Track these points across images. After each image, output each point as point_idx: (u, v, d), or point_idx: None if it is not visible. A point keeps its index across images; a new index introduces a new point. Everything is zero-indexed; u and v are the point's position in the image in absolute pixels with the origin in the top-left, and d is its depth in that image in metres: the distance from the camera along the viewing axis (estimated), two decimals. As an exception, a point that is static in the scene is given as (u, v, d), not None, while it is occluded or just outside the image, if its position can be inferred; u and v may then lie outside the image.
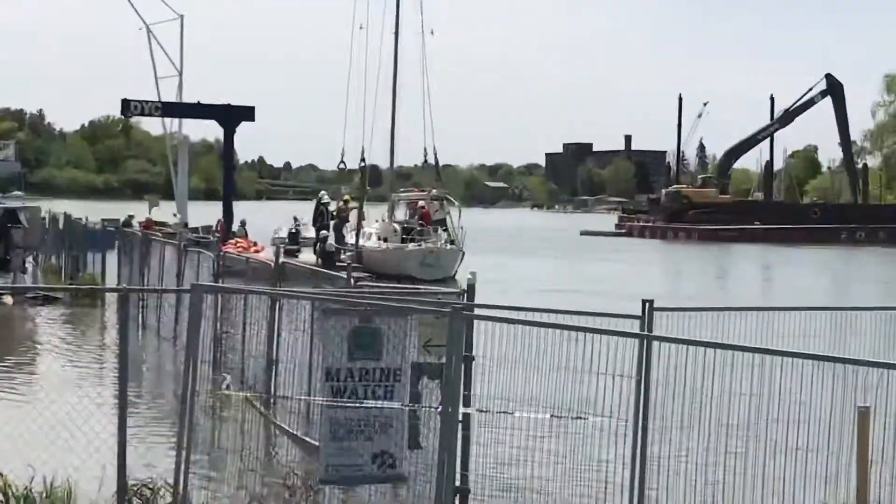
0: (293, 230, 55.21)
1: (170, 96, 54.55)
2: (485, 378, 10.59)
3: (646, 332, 10.52)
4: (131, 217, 51.84)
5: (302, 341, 13.34)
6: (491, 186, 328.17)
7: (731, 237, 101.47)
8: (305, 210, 57.84)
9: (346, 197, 55.06)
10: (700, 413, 9.24)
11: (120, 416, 10.88)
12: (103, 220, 46.92)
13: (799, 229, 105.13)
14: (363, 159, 56.24)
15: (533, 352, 9.95)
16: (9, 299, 31.24)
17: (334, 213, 52.82)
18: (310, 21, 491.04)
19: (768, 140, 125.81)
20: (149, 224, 48.53)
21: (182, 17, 55.45)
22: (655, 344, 10.00)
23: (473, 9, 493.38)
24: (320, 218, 52.25)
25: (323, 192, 59.79)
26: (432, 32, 56.34)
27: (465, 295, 11.94)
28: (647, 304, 11.04)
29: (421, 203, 52.56)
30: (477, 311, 10.97)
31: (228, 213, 53.74)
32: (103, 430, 11.96)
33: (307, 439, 13.05)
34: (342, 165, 58.37)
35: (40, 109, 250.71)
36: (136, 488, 11.32)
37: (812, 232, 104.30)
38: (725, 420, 9.09)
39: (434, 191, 53.57)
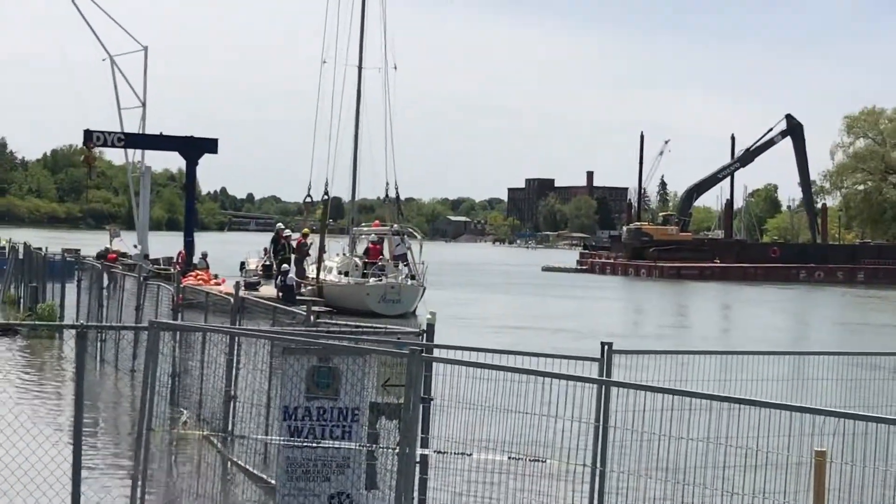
0: (267, 262, 55.03)
1: (133, 127, 54.36)
2: (443, 419, 10.55)
3: (604, 378, 10.54)
4: (107, 250, 51.56)
5: (260, 379, 13.27)
6: (453, 220, 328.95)
7: (691, 275, 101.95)
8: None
9: (306, 230, 54.98)
10: (658, 457, 9.23)
11: (74, 454, 10.76)
12: (63, 250, 46.53)
13: (758, 268, 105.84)
14: (326, 192, 56.26)
15: (492, 393, 9.93)
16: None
17: (293, 247, 52.69)
18: (273, 54, 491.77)
19: (729, 178, 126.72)
20: (115, 257, 48.22)
21: (146, 48, 55.24)
22: (614, 387, 10.00)
23: (437, 45, 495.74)
24: (281, 251, 52.11)
25: (279, 223, 59.66)
26: (395, 67, 56.57)
27: (425, 335, 11.92)
28: (606, 347, 11.07)
29: (373, 237, 52.56)
30: (436, 353, 10.95)
31: (190, 244, 53.50)
32: (57, 468, 11.80)
33: (264, 477, 12.96)
34: (308, 198, 58.32)
35: (2, 138, 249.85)
36: (89, 527, 11.18)
37: (771, 271, 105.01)
38: (683, 464, 9.08)
39: (396, 225, 53.55)
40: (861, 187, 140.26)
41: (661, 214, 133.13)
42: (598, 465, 10.03)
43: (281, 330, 13.60)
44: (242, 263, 59.31)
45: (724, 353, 12.28)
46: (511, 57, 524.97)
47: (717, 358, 12.12)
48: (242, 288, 20.22)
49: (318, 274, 51.11)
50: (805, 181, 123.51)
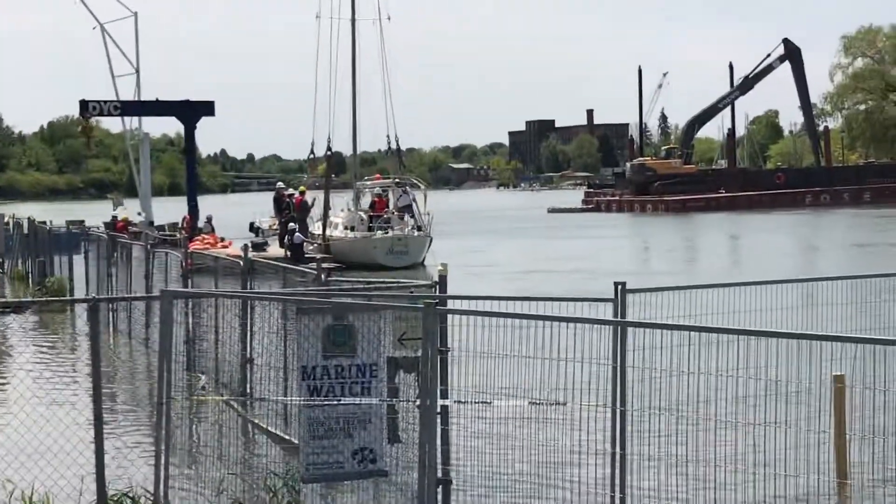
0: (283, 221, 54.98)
1: (128, 94, 54.16)
2: (461, 369, 10.56)
3: (619, 319, 10.52)
4: (115, 218, 51.58)
5: (276, 340, 13.26)
6: (456, 168, 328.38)
7: (697, 207, 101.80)
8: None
9: (302, 187, 54.98)
10: (678, 393, 9.24)
11: (96, 426, 10.79)
12: (68, 222, 46.53)
13: (764, 195, 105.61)
14: (329, 148, 56.19)
15: (507, 341, 9.92)
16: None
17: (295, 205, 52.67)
18: (267, 11, 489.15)
19: (729, 108, 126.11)
20: (123, 225, 48.20)
21: (136, 13, 55.00)
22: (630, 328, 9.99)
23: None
24: (286, 210, 52.07)
25: (280, 183, 59.65)
26: (389, 18, 56.34)
27: (437, 287, 11.90)
28: (620, 287, 11.03)
29: (377, 191, 52.58)
30: (450, 305, 10.93)
31: (194, 209, 53.44)
32: (80, 441, 11.86)
33: (286, 437, 12.98)
34: (312, 155, 58.35)
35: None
36: (115, 498, 11.24)
37: (777, 197, 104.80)
38: (703, 398, 9.08)
39: (398, 179, 53.50)
40: (862, 107, 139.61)
41: (663, 148, 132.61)
42: (619, 405, 10.05)
43: (294, 291, 13.58)
44: (252, 224, 59.23)
45: (736, 285, 12.24)
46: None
47: (731, 290, 12.08)
48: (250, 249, 20.17)
49: (324, 230, 51.12)
50: (806, 105, 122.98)
